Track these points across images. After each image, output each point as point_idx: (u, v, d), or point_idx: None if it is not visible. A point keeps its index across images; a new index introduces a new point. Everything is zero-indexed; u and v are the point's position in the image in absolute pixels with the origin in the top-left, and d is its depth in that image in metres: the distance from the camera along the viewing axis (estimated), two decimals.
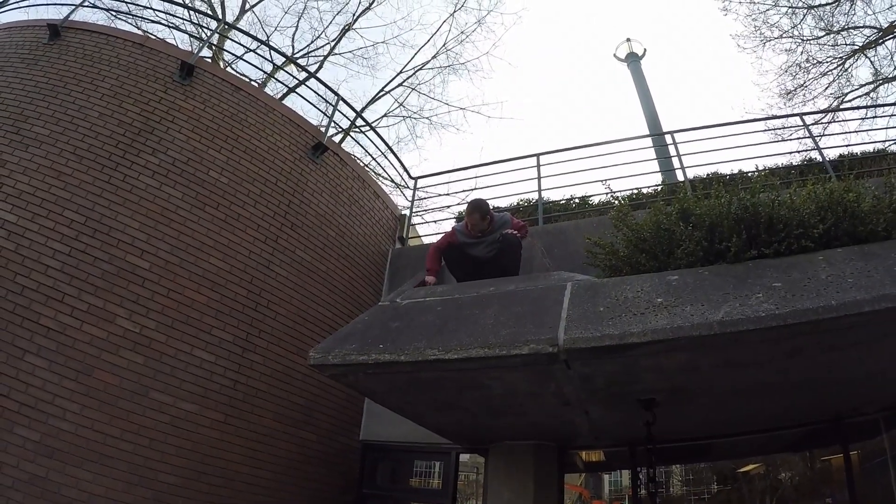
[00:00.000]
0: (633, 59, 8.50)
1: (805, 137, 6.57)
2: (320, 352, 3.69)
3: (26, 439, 4.21)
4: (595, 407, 4.38)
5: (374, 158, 9.13)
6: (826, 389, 4.09)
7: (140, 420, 4.72)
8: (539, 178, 7.14)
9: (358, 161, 8.71)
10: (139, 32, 8.53)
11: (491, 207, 5.30)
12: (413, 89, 15.29)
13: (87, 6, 6.81)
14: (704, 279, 3.82)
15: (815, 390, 4.08)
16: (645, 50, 8.65)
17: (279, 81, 11.54)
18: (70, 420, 4.41)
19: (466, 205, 5.39)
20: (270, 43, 12.25)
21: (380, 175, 9.93)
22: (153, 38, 7.37)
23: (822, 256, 3.75)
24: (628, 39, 8.54)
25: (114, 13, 9.70)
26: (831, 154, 6.84)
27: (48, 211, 4.92)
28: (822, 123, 10.82)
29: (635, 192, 6.74)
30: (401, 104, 15.36)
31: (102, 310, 4.80)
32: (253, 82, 10.54)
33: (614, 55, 8.65)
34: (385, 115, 15.02)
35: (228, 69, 10.55)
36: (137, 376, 4.81)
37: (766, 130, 8.26)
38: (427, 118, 16.04)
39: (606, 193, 5.74)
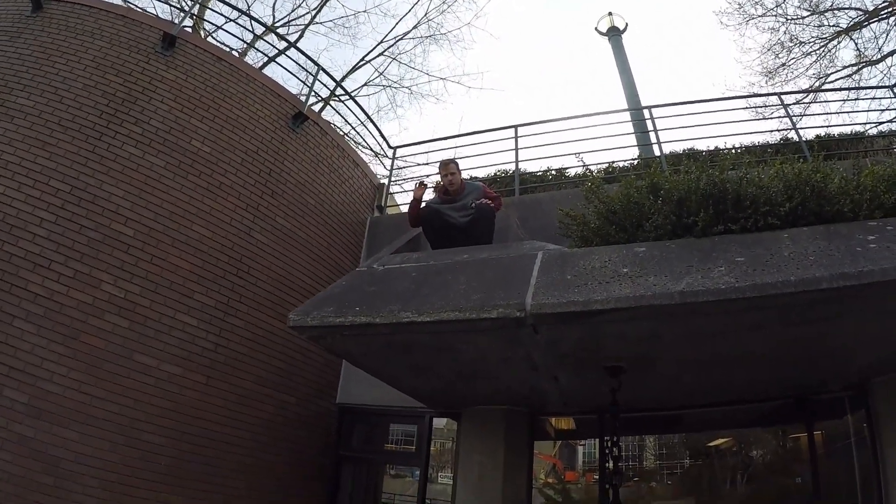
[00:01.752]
0: (614, 34, 8.45)
1: (784, 117, 6.64)
2: (299, 314, 3.80)
3: (15, 401, 4.33)
4: (563, 373, 4.52)
5: (353, 128, 9.13)
6: (790, 364, 4.21)
7: (125, 382, 4.84)
8: (516, 149, 7.20)
9: (338, 130, 8.68)
10: (121, 3, 8.35)
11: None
12: (394, 59, 15.17)
13: None
14: (670, 251, 3.95)
15: (779, 364, 4.20)
16: (626, 24, 8.60)
17: (259, 51, 11.37)
18: (57, 382, 4.53)
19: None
20: (251, 13, 12.09)
21: (359, 144, 9.98)
22: (135, 9, 7.25)
23: (788, 234, 3.85)
24: (610, 13, 8.50)
25: None
26: (811, 134, 6.90)
27: (34, 181, 4.97)
28: (802, 104, 10.87)
29: (609, 165, 6.84)
30: (381, 73, 15.25)
31: (88, 276, 4.88)
32: (234, 51, 10.42)
33: (596, 29, 8.61)
34: (365, 84, 14.91)
35: (209, 39, 10.42)
36: (122, 340, 4.92)
37: (746, 108, 8.22)
38: (407, 88, 15.96)
39: (581, 166, 5.84)
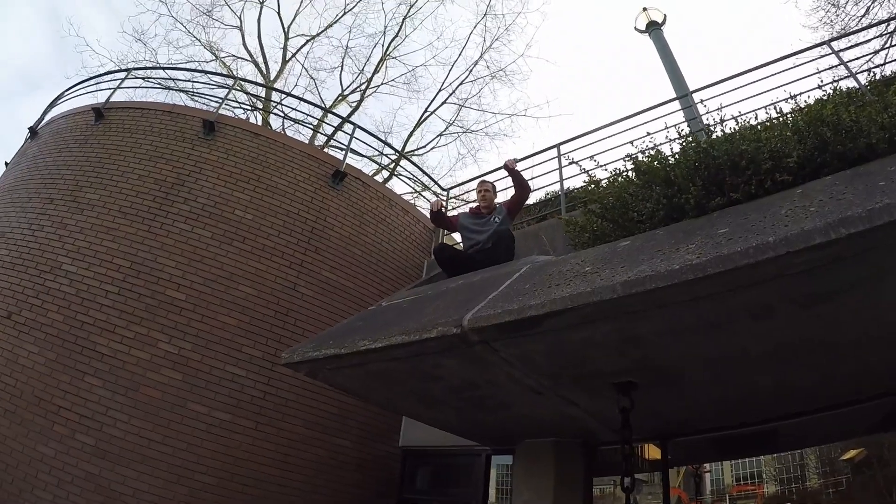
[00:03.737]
0: (654, 28, 7.54)
1: (839, 65, 5.08)
2: (289, 352, 3.81)
3: (84, 443, 4.85)
4: (578, 395, 3.86)
5: (424, 185, 9.18)
6: (862, 356, 3.13)
7: (179, 427, 5.15)
8: (560, 168, 6.64)
9: (408, 184, 8.76)
10: (170, 102, 9.44)
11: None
12: (462, 106, 15.37)
13: (128, 87, 7.93)
14: (653, 239, 3.27)
15: (840, 358, 3.16)
16: (665, 16, 7.62)
17: (322, 133, 12.14)
18: (120, 427, 4.97)
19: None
20: (308, 97, 13.23)
21: (424, 195, 10.03)
22: (179, 104, 8.28)
23: (801, 190, 3.01)
24: (644, 9, 7.61)
25: (158, 87, 10.98)
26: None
27: (101, 260, 5.69)
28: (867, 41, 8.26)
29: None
30: (449, 123, 15.53)
31: (147, 336, 5.38)
32: (300, 133, 11.37)
33: (634, 28, 7.76)
34: (441, 135, 15.19)
35: (282, 125, 11.54)
36: (176, 390, 5.27)
37: (797, 66, 6.11)
38: (476, 131, 16.01)
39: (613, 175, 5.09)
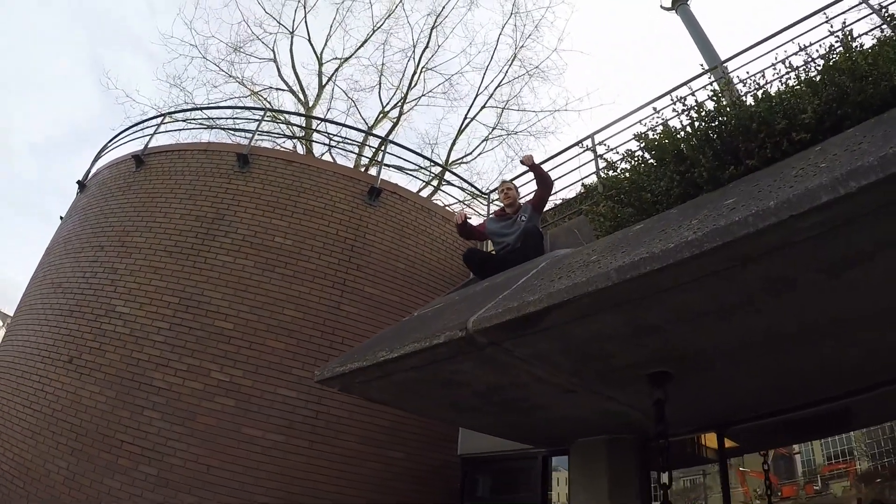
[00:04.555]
0: (680, 4, 7.15)
1: (871, 13, 4.50)
2: (321, 369, 4.00)
3: (147, 474, 5.23)
4: (613, 390, 3.79)
5: (471, 193, 9.22)
6: None
7: (235, 452, 5.45)
8: (595, 158, 6.50)
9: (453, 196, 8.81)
10: (212, 140, 9.91)
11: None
12: (503, 108, 15.28)
13: (169, 131, 8.45)
14: (664, 219, 3.21)
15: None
16: None
17: (364, 156, 12.33)
18: (179, 456, 5.33)
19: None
20: (350, 119, 13.64)
21: (471, 205, 10.08)
22: (214, 142, 8.68)
23: (820, 146, 2.85)
24: None
25: (200, 127, 11.58)
26: None
27: (151, 299, 6.12)
28: None
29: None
30: (493, 128, 15.51)
31: (199, 367, 5.74)
32: (345, 157, 11.63)
33: (661, 6, 7.38)
34: (485, 140, 15.15)
35: (328, 151, 11.95)
36: (231, 416, 5.58)
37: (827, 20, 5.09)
38: (519, 132, 15.85)
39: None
